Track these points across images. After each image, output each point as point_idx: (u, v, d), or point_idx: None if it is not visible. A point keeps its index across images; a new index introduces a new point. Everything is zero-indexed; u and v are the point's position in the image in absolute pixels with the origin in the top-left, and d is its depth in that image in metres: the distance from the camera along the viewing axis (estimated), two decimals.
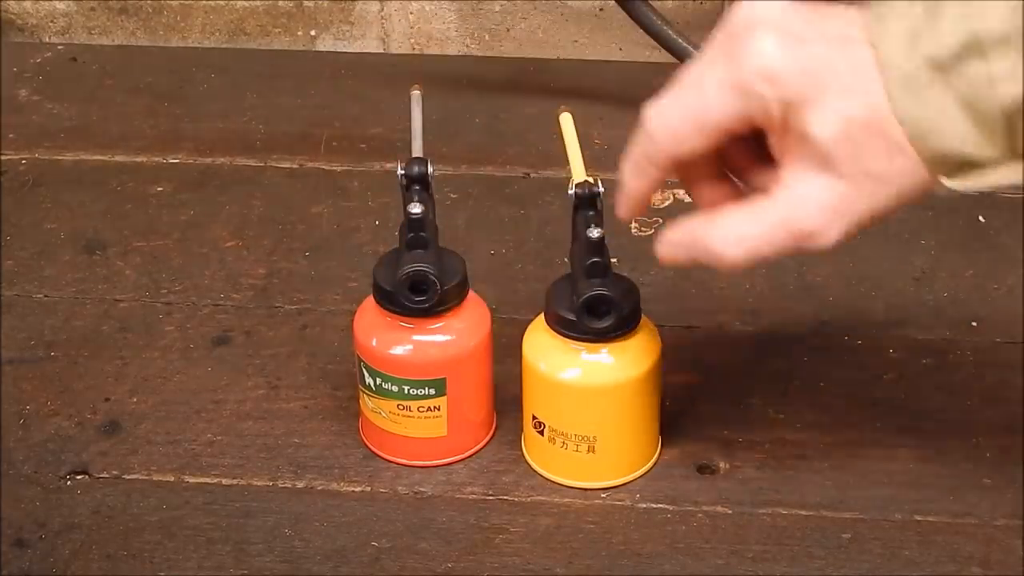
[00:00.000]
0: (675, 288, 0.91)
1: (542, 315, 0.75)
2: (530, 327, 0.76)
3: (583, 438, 0.74)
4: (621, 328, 0.72)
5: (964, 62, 0.57)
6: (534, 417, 0.76)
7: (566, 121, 0.77)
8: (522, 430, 0.78)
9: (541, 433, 0.75)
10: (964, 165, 0.59)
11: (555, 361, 0.74)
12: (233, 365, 0.86)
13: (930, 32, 0.58)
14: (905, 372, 0.84)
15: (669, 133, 0.63)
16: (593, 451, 0.75)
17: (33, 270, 0.95)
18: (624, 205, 0.68)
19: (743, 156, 0.66)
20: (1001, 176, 0.60)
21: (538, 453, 0.77)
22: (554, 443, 0.75)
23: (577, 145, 0.76)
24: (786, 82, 0.59)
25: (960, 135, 0.58)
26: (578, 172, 0.74)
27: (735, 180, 0.67)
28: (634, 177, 0.66)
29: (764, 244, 0.62)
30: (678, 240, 0.66)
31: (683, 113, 0.62)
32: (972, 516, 0.74)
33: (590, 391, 0.73)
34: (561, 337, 0.73)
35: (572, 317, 0.72)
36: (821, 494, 0.76)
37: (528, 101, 1.15)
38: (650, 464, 0.77)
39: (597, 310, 0.71)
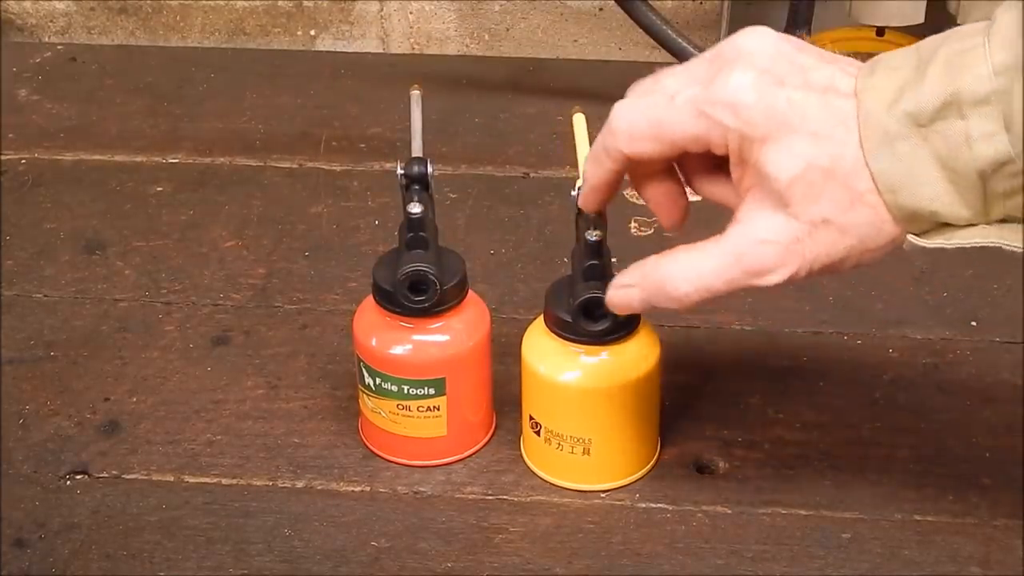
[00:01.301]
0: None
1: (541, 316, 0.75)
2: (530, 328, 0.76)
3: (578, 440, 0.74)
4: (617, 331, 0.72)
5: (943, 120, 0.58)
6: (531, 417, 0.76)
7: (579, 122, 0.77)
8: (521, 430, 0.78)
9: (538, 434, 0.76)
10: (935, 223, 0.60)
11: (553, 363, 0.74)
12: (233, 365, 0.86)
13: (913, 89, 0.58)
14: (904, 372, 0.84)
15: (627, 132, 0.64)
16: (588, 453, 0.75)
17: (33, 270, 0.95)
18: (583, 193, 0.69)
19: (698, 164, 0.67)
20: (970, 237, 0.60)
21: (535, 453, 0.77)
22: (550, 444, 0.75)
23: (588, 147, 0.76)
24: (749, 117, 0.60)
25: (933, 193, 0.59)
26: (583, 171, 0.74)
27: (684, 184, 0.68)
28: (591, 164, 0.67)
29: (717, 280, 0.62)
30: (629, 283, 0.66)
31: (646, 118, 0.63)
32: (971, 516, 0.74)
33: (585, 393, 0.73)
34: (559, 339, 0.73)
35: (570, 319, 0.72)
36: (821, 494, 0.76)
37: (528, 101, 1.15)
38: (647, 468, 0.77)
39: (593, 313, 0.71)
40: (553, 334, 0.73)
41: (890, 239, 0.61)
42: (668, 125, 0.63)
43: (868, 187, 0.59)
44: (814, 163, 0.59)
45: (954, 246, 0.60)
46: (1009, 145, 0.57)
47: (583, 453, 0.75)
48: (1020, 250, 0.59)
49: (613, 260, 0.73)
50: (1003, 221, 0.60)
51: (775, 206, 0.61)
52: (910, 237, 0.60)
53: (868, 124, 0.59)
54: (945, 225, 0.60)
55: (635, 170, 0.67)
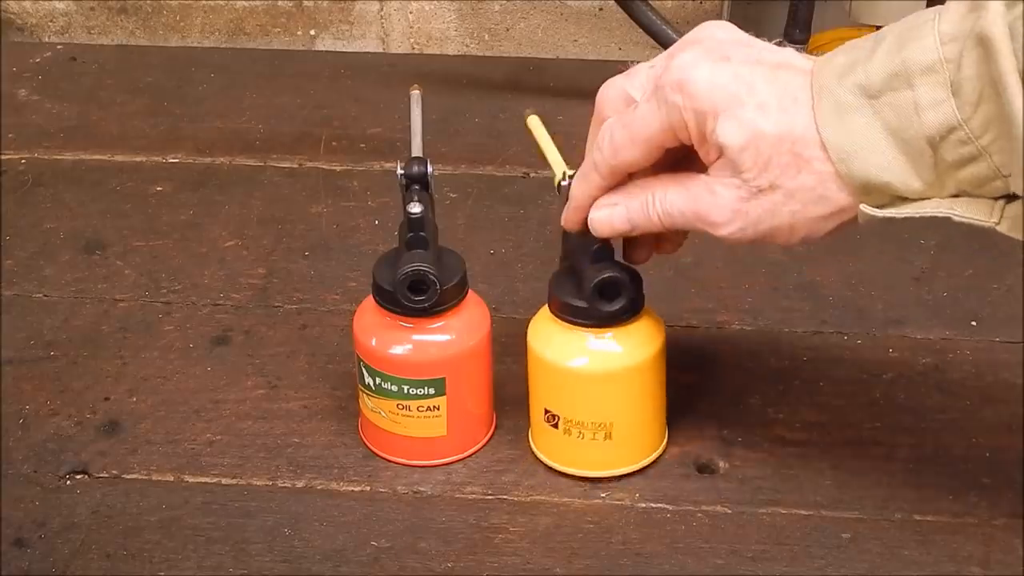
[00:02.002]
0: (675, 288, 0.91)
1: (545, 308, 0.75)
2: (533, 322, 0.76)
3: (600, 425, 0.74)
4: (632, 310, 0.73)
5: (893, 91, 0.59)
6: (546, 411, 0.76)
7: (535, 123, 0.79)
8: (527, 427, 0.78)
9: (555, 426, 0.75)
10: (887, 194, 0.61)
11: (565, 350, 0.74)
12: (232, 365, 0.86)
13: (864, 63, 0.60)
14: (904, 371, 0.84)
15: (610, 145, 0.67)
16: (610, 438, 0.74)
17: (33, 270, 0.95)
18: (568, 213, 0.72)
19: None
20: (921, 208, 0.61)
21: (552, 448, 0.77)
22: (570, 434, 0.75)
23: (551, 142, 0.78)
24: (696, 92, 0.63)
25: (883, 162, 0.60)
26: (559, 164, 0.76)
27: None
28: (579, 182, 0.70)
29: (679, 216, 0.67)
30: (615, 200, 0.69)
31: (622, 126, 0.67)
32: (971, 516, 0.74)
33: (604, 377, 0.73)
34: (568, 325, 0.73)
35: (580, 304, 0.72)
36: (821, 493, 0.76)
37: (528, 101, 1.15)
38: (660, 450, 0.77)
39: (609, 293, 0.72)
40: (562, 322, 0.73)
41: (837, 208, 0.63)
42: (639, 124, 0.66)
43: (816, 155, 0.62)
44: (762, 131, 0.62)
45: (904, 216, 0.61)
46: (956, 111, 0.58)
47: (605, 438, 0.75)
48: (972, 221, 0.60)
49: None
50: (956, 196, 0.61)
51: (731, 172, 0.64)
52: (862, 207, 0.62)
53: (820, 96, 0.61)
54: (899, 197, 0.61)
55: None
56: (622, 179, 0.69)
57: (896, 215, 0.61)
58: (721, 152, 0.63)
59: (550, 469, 0.77)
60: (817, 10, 1.18)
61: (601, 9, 1.27)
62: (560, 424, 0.75)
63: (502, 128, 1.11)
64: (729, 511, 0.75)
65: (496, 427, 0.80)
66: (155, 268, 0.95)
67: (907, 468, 0.77)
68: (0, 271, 0.94)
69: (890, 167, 0.60)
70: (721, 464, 0.78)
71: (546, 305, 0.75)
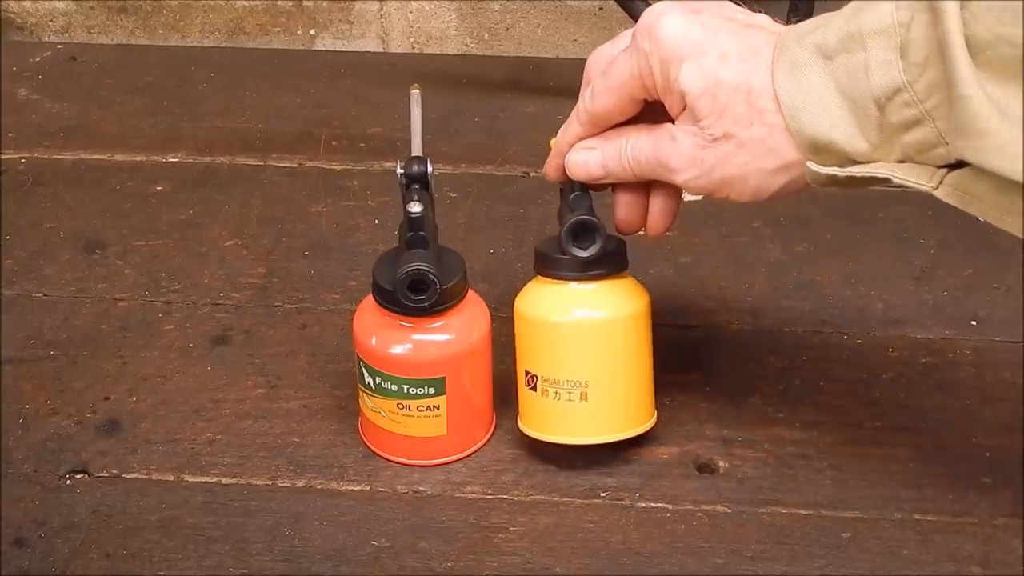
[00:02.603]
0: (675, 287, 0.91)
1: (534, 278, 0.76)
2: (520, 292, 0.76)
3: (575, 384, 0.74)
4: (607, 264, 0.74)
5: (847, 52, 0.61)
6: (527, 373, 0.76)
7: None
8: (516, 416, 0.78)
9: (533, 388, 0.75)
10: (834, 153, 0.62)
11: (545, 306, 0.74)
12: (232, 364, 0.86)
13: (825, 26, 0.62)
14: (904, 371, 0.84)
15: (590, 91, 0.71)
16: (586, 399, 0.74)
17: (32, 269, 0.95)
18: (549, 158, 0.75)
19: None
20: (865, 169, 0.62)
21: (532, 415, 0.77)
22: (547, 395, 0.75)
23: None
24: (662, 37, 0.66)
25: (831, 120, 0.62)
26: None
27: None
28: (561, 131, 0.74)
29: (644, 161, 0.69)
30: (591, 145, 0.72)
31: (602, 74, 0.70)
32: (971, 515, 0.74)
33: (579, 329, 0.74)
34: (548, 280, 0.74)
35: (557, 254, 0.74)
36: (820, 493, 0.76)
37: (527, 100, 1.15)
38: (645, 427, 0.77)
39: (582, 236, 0.73)
40: (543, 278, 0.74)
41: (785, 162, 0.64)
42: (614, 71, 0.69)
43: (769, 107, 0.64)
44: (720, 79, 0.64)
45: (846, 174, 0.63)
46: (903, 72, 0.59)
47: (580, 399, 0.74)
48: (910, 185, 0.61)
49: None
50: (901, 162, 0.61)
51: (691, 120, 0.66)
52: (809, 163, 0.63)
53: (780, 54, 0.63)
54: (847, 157, 0.62)
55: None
56: (603, 129, 0.72)
57: (839, 173, 0.63)
58: (684, 101, 0.66)
59: (549, 467, 0.77)
60: (817, 10, 1.18)
61: (601, 8, 1.27)
62: (538, 385, 0.75)
63: (502, 128, 1.11)
64: (729, 511, 0.75)
65: (496, 426, 0.80)
66: (155, 268, 0.95)
67: (907, 468, 0.77)
68: (0, 271, 0.94)
69: (837, 125, 0.61)
70: (721, 464, 0.78)
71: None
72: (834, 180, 0.63)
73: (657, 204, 0.73)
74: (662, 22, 0.66)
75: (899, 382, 0.83)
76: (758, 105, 0.64)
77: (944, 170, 0.60)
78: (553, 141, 0.76)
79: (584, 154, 0.72)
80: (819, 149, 0.63)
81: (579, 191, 0.74)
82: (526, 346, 0.76)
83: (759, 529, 0.74)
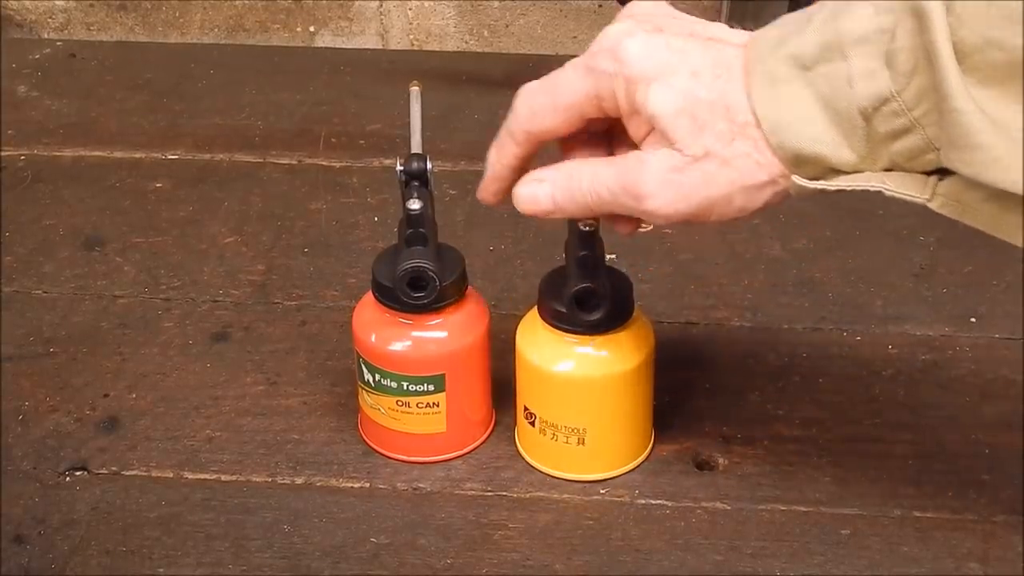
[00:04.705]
0: (674, 284, 0.91)
1: (536, 307, 0.75)
2: (524, 319, 0.76)
3: (573, 430, 0.74)
4: (611, 322, 0.73)
5: (826, 62, 0.58)
6: (526, 408, 0.76)
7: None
8: (516, 416, 0.78)
9: (532, 424, 0.76)
10: (820, 166, 0.60)
11: (547, 353, 0.74)
12: (232, 361, 0.86)
13: (798, 35, 0.59)
14: (904, 368, 0.84)
15: (527, 109, 0.67)
16: (583, 443, 0.75)
17: (32, 266, 0.95)
18: (484, 181, 0.70)
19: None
20: (853, 181, 0.60)
21: (530, 444, 0.77)
22: (545, 434, 0.75)
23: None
24: (627, 58, 0.62)
25: (815, 133, 0.59)
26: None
27: None
28: (494, 150, 0.69)
29: (605, 191, 0.64)
30: (542, 177, 0.68)
31: (543, 91, 0.66)
32: (971, 512, 0.74)
33: (579, 383, 0.74)
34: (553, 329, 0.73)
35: (564, 310, 0.72)
36: (820, 490, 0.76)
37: None
38: (641, 459, 0.77)
39: (587, 303, 0.72)
40: (547, 325, 0.73)
41: (773, 176, 0.61)
42: (559, 90, 0.65)
43: (748, 120, 0.60)
44: (695, 96, 0.61)
45: (835, 188, 0.60)
46: (890, 82, 0.57)
47: (578, 443, 0.75)
48: (904, 196, 0.59)
49: (612, 256, 0.73)
50: (889, 170, 0.60)
51: (663, 143, 0.62)
52: (794, 178, 0.61)
53: (754, 68, 0.60)
54: (836, 173, 0.60)
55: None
56: (539, 147, 0.68)
57: (828, 187, 0.60)
58: (652, 124, 0.62)
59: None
60: None
61: (600, 6, 1.26)
62: (537, 423, 0.75)
63: (501, 124, 1.11)
64: (728, 507, 0.75)
65: (496, 424, 0.80)
66: (154, 264, 0.95)
67: (906, 465, 0.77)
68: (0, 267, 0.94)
69: (822, 138, 0.59)
70: (720, 460, 0.78)
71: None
72: (822, 193, 0.61)
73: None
74: (625, 43, 0.62)
75: (898, 379, 0.83)
76: (738, 120, 0.61)
77: (935, 177, 0.59)
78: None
79: (533, 187, 0.68)
80: (803, 162, 0.60)
81: (589, 227, 0.71)
82: (526, 385, 0.76)
83: (758, 526, 0.74)
